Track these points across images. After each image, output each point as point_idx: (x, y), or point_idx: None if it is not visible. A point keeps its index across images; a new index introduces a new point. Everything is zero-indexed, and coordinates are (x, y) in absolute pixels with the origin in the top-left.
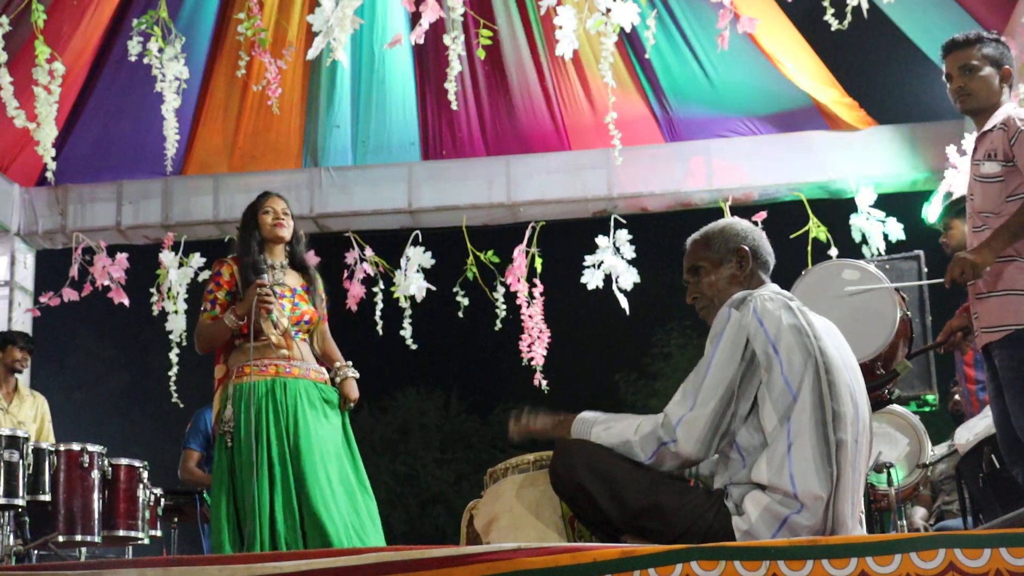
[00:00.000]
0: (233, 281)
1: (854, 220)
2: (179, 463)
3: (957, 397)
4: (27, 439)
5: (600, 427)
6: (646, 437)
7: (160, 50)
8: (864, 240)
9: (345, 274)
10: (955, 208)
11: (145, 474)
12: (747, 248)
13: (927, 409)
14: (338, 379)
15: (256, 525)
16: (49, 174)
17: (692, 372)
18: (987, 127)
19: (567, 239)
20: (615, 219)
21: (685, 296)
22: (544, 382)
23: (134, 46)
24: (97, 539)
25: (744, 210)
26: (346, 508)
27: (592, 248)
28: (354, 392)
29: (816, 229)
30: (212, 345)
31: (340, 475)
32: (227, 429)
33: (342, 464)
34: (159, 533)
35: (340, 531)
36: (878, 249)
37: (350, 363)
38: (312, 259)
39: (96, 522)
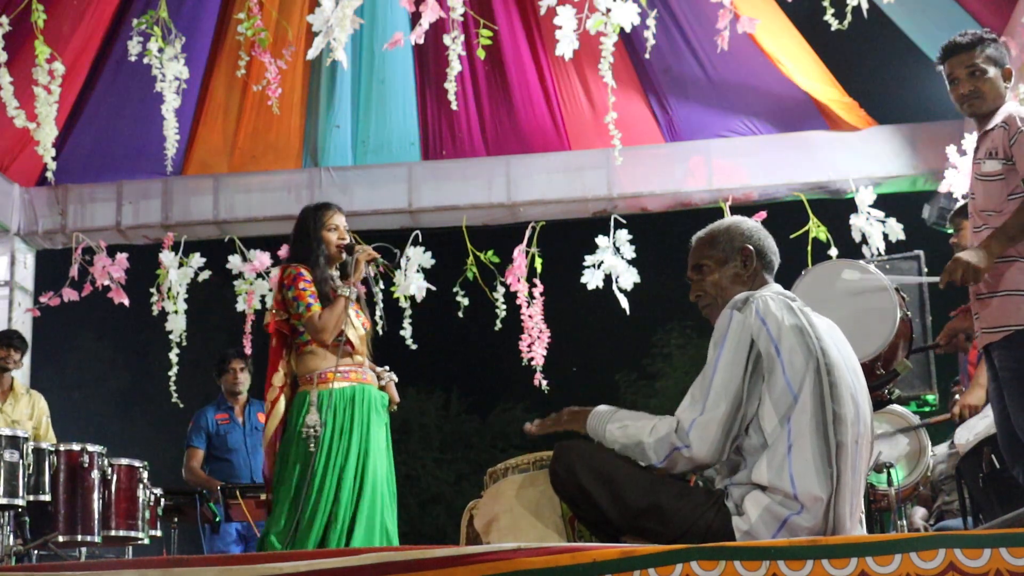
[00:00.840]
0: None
1: (854, 220)
2: (183, 462)
3: (957, 397)
4: (27, 439)
5: (615, 425)
6: (660, 441)
7: (160, 50)
8: (864, 240)
9: None
10: (965, 209)
11: (145, 474)
12: (751, 247)
13: (927, 409)
14: (382, 383)
15: (335, 530)
16: (49, 174)
17: (699, 376)
18: (989, 126)
19: (567, 239)
20: (615, 219)
21: (688, 295)
22: (544, 382)
23: (134, 46)
24: (97, 539)
25: (744, 210)
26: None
27: (592, 248)
28: (397, 396)
29: (816, 229)
30: (339, 327)
31: (388, 479)
32: (314, 434)
33: (389, 468)
34: (159, 533)
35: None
36: (878, 249)
37: (387, 367)
38: None
39: (96, 522)
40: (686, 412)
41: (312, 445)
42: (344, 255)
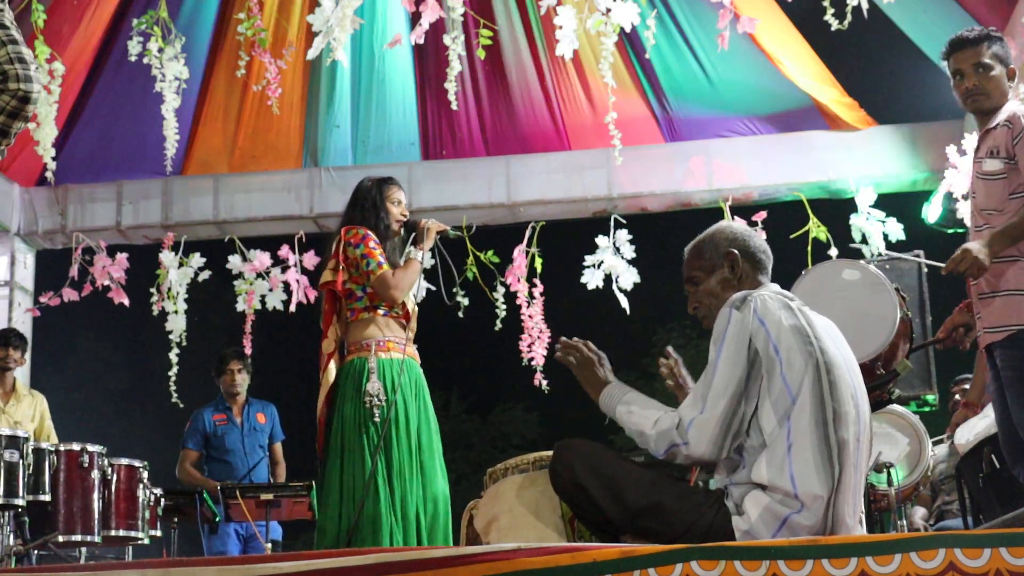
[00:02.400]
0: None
1: (854, 220)
2: (177, 463)
3: (957, 397)
4: (27, 439)
5: (624, 408)
6: (662, 434)
7: (160, 50)
8: (864, 240)
9: None
10: None
11: (145, 474)
12: (736, 251)
13: (927, 409)
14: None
15: (393, 503)
16: (49, 174)
17: (702, 375)
18: (991, 124)
19: (567, 239)
20: (615, 219)
21: (687, 304)
22: (544, 382)
23: (134, 46)
24: (97, 539)
25: (744, 210)
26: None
27: (592, 248)
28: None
29: (816, 229)
30: (411, 288)
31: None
32: (377, 403)
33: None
34: (159, 533)
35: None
36: (878, 249)
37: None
38: (312, 260)
39: (96, 522)
40: (687, 410)
41: (376, 414)
42: (402, 231)
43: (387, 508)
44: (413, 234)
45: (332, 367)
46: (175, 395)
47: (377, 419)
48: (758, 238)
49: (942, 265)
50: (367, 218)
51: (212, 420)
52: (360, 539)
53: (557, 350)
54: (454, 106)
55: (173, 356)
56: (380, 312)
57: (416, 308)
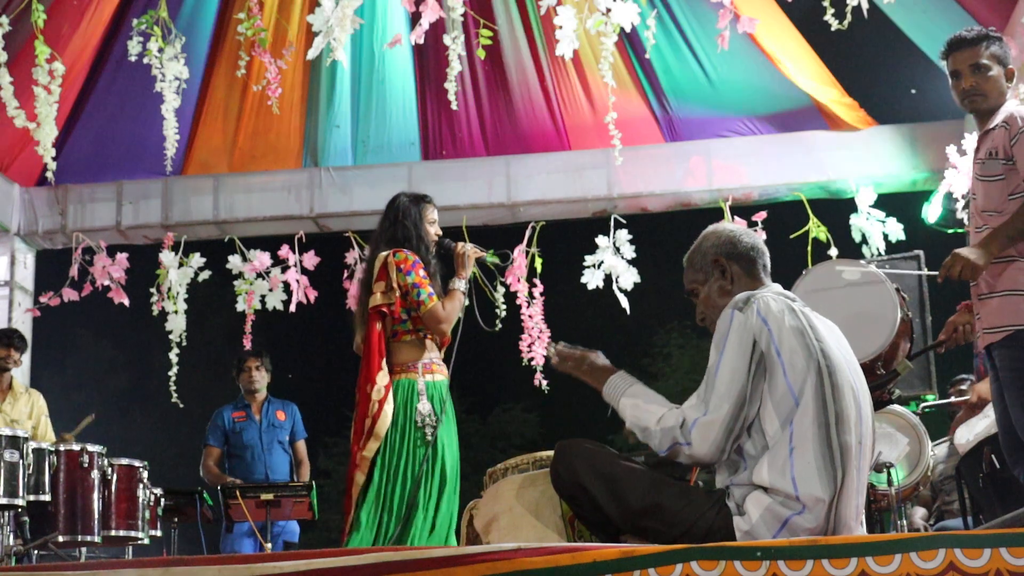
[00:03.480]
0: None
1: (854, 220)
2: (201, 461)
3: (954, 399)
4: (27, 439)
5: (629, 400)
6: (665, 431)
7: (160, 50)
8: (864, 240)
9: (345, 274)
10: None
11: (145, 474)
12: (723, 257)
13: (927, 410)
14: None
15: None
16: (49, 174)
17: (705, 375)
18: (990, 126)
19: (567, 239)
20: (615, 219)
21: (695, 315)
22: (544, 382)
23: (134, 46)
24: (97, 539)
25: (744, 210)
26: None
27: (592, 248)
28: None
29: (816, 229)
30: (455, 318)
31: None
32: (430, 423)
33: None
34: (159, 533)
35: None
36: (878, 249)
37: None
38: (312, 260)
39: (96, 522)
40: (691, 411)
41: (428, 434)
42: (437, 250)
43: (424, 525)
44: (439, 252)
45: (391, 398)
46: (175, 395)
47: (430, 438)
48: (747, 236)
49: (936, 273)
50: (408, 238)
51: (231, 417)
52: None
53: (551, 356)
54: (454, 106)
55: (173, 356)
56: (422, 335)
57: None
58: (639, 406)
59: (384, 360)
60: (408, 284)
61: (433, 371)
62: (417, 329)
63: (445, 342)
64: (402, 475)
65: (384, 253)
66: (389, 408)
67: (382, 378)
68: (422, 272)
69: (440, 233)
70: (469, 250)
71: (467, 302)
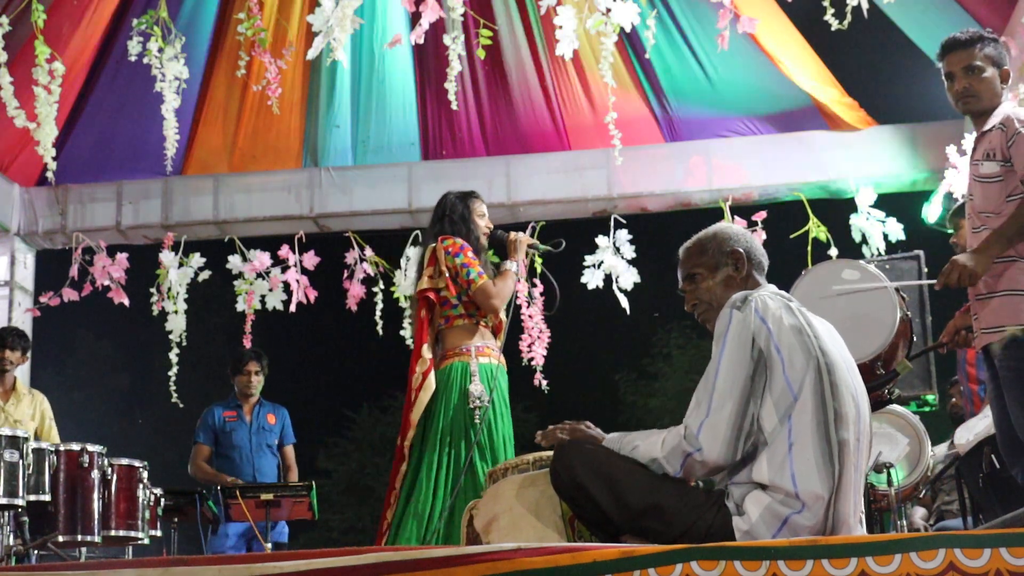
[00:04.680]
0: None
1: (854, 220)
2: (189, 458)
3: (954, 400)
4: (27, 439)
5: (628, 449)
6: (672, 451)
7: (160, 50)
8: (864, 240)
9: (345, 274)
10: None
11: (145, 474)
12: (742, 251)
13: (927, 409)
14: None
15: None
16: (49, 174)
17: (702, 379)
18: (986, 127)
19: (567, 239)
20: (615, 219)
21: (685, 303)
22: (544, 382)
23: (134, 46)
24: (97, 539)
25: (744, 210)
26: None
27: (592, 248)
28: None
29: (816, 229)
30: (508, 298)
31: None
32: (480, 404)
33: None
34: (159, 533)
35: None
36: (878, 249)
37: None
38: (312, 260)
39: (96, 522)
40: (692, 417)
41: (477, 415)
42: (490, 241)
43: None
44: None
45: (432, 376)
46: (175, 395)
47: (479, 420)
48: (758, 241)
49: (935, 281)
50: (457, 231)
51: (222, 416)
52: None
53: (539, 440)
54: (454, 106)
55: (173, 356)
56: (475, 319)
57: (507, 320)
58: (638, 447)
59: (426, 347)
60: (456, 265)
61: (487, 354)
62: (470, 314)
63: (499, 327)
64: (454, 455)
65: (432, 244)
66: (425, 396)
67: (420, 366)
68: (470, 253)
69: (491, 226)
70: (522, 237)
71: (520, 283)
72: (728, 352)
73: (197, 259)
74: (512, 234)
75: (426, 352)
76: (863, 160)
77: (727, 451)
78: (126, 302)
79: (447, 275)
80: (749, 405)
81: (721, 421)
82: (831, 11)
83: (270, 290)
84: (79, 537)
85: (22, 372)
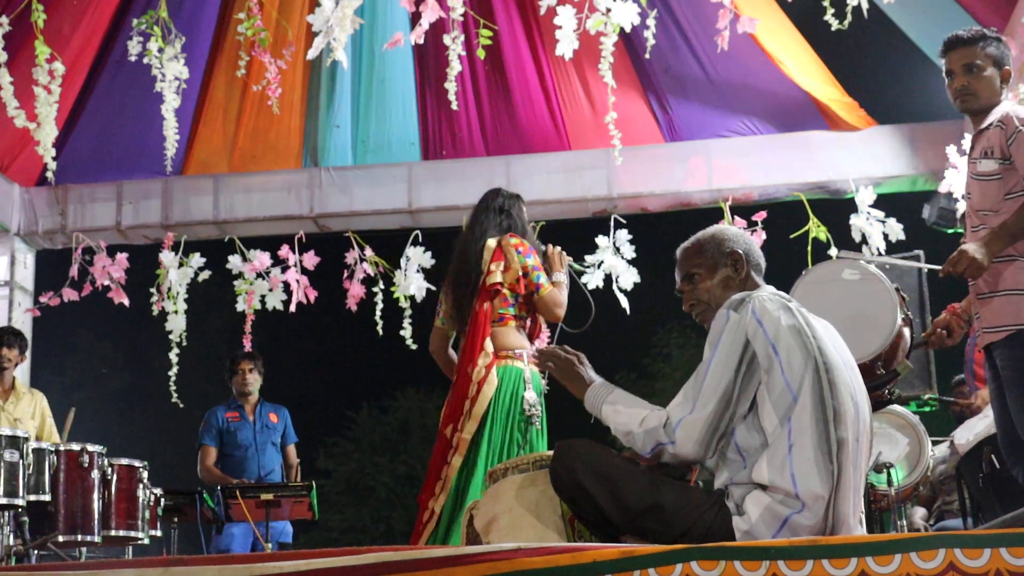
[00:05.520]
0: None
1: (854, 220)
2: (197, 461)
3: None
4: (27, 439)
5: (610, 407)
6: (648, 432)
7: (160, 50)
8: (864, 240)
9: (345, 274)
10: None
11: (145, 474)
12: (741, 252)
13: (927, 409)
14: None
15: None
16: (49, 174)
17: (693, 374)
18: (984, 125)
19: (567, 239)
20: (615, 219)
21: (682, 303)
22: (544, 382)
23: (134, 46)
24: (97, 539)
25: (744, 210)
26: None
27: (592, 248)
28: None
29: (816, 229)
30: None
31: None
32: (536, 412)
33: None
34: (159, 533)
35: None
36: (878, 249)
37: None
38: (312, 260)
39: (96, 522)
40: (676, 409)
41: (535, 422)
42: None
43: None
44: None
45: (495, 371)
46: (175, 395)
47: (537, 425)
48: (755, 242)
49: (939, 268)
50: (515, 228)
51: (225, 417)
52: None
53: (533, 357)
54: (454, 106)
55: (173, 356)
56: (523, 322)
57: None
58: (620, 411)
59: (489, 341)
60: (528, 266)
61: (534, 362)
62: (521, 316)
63: (535, 332)
64: (506, 455)
65: (496, 238)
66: (489, 389)
67: (483, 359)
68: (537, 258)
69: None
70: (561, 253)
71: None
72: (719, 354)
73: (197, 259)
74: (550, 247)
75: (488, 346)
76: (863, 160)
77: (698, 449)
78: (126, 302)
79: (520, 272)
80: (729, 407)
81: (700, 420)
82: (831, 11)
83: (270, 290)
84: (79, 537)
85: (22, 372)
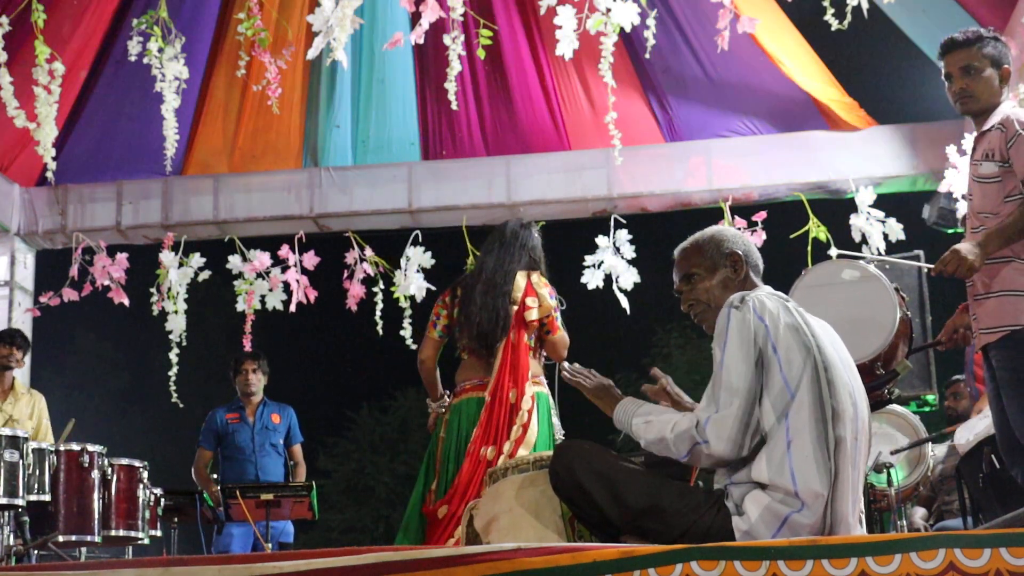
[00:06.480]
0: None
1: (854, 220)
2: (194, 461)
3: (947, 403)
4: (27, 439)
5: (640, 419)
6: (680, 435)
7: (160, 50)
8: (864, 240)
9: (345, 274)
10: None
11: (145, 474)
12: (740, 253)
13: (927, 409)
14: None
15: None
16: (49, 174)
17: (712, 377)
18: (985, 127)
19: (567, 239)
20: (615, 219)
21: (680, 303)
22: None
23: (134, 46)
24: (97, 539)
25: (744, 210)
26: None
27: (592, 248)
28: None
29: (816, 229)
30: None
31: None
32: (562, 437)
33: None
34: (159, 533)
35: None
36: (878, 249)
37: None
38: (312, 260)
39: (96, 522)
40: (703, 411)
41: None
42: None
43: None
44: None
45: (537, 399)
46: (175, 395)
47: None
48: (754, 244)
49: (931, 266)
50: (536, 264)
51: (224, 419)
52: None
53: (563, 371)
54: (454, 106)
55: (173, 356)
56: (539, 352)
57: None
58: (652, 421)
59: (530, 371)
60: (551, 307)
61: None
62: (538, 347)
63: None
64: None
65: (524, 272)
66: (537, 417)
67: (530, 388)
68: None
69: None
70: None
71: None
72: (731, 350)
73: (197, 259)
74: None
75: (533, 375)
76: (863, 160)
77: (732, 447)
78: (126, 302)
79: (551, 315)
80: (755, 401)
81: (728, 417)
82: (831, 11)
83: (270, 290)
84: (79, 537)
85: (22, 372)
